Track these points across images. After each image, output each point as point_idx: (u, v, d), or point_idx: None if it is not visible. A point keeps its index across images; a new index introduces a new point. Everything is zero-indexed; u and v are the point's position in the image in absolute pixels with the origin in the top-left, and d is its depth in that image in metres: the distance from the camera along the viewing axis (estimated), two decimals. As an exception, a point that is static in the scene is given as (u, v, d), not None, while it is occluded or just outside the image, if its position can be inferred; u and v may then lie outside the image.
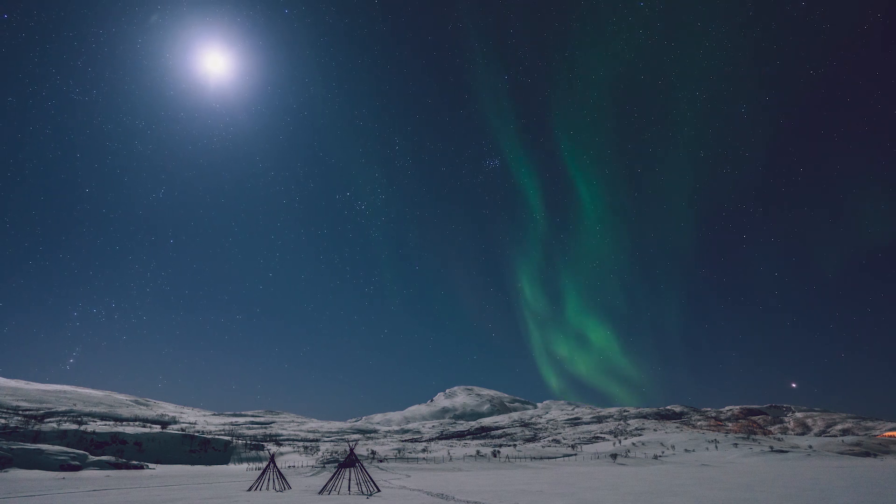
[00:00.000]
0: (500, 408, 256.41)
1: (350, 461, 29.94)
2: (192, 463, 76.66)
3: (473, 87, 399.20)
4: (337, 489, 27.33)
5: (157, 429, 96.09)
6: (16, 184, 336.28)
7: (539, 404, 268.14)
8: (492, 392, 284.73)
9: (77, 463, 59.55)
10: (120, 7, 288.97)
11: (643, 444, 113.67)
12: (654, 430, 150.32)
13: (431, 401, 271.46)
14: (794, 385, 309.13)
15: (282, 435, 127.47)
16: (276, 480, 32.26)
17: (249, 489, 29.74)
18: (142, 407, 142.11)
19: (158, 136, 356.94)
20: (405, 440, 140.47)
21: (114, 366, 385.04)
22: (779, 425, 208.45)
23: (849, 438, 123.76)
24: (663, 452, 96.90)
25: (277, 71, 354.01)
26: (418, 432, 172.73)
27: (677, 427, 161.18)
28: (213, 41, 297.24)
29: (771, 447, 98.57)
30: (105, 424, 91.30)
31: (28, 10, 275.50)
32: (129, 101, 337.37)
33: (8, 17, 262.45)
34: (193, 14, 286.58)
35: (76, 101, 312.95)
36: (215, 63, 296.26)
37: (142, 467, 65.78)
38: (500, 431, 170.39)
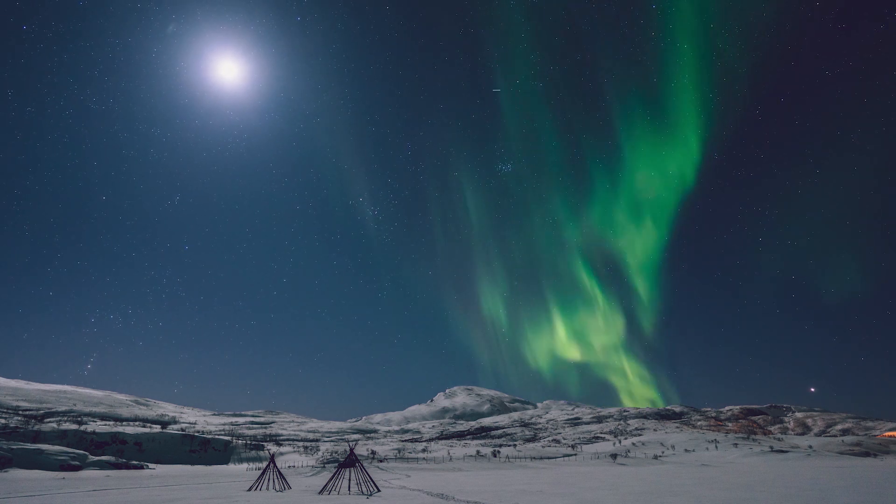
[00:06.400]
0: (500, 408, 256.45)
1: (350, 461, 29.95)
2: (192, 463, 76.64)
3: (485, 92, 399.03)
4: (337, 489, 27.33)
5: (157, 429, 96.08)
6: (34, 192, 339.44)
7: (539, 404, 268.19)
8: (492, 392, 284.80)
9: (77, 463, 59.53)
10: (135, 17, 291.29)
11: (643, 444, 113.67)
12: (654, 430, 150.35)
13: (431, 401, 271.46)
14: (812, 390, 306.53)
15: (282, 435, 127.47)
16: (276, 480, 32.26)
17: (249, 489, 29.74)
18: (142, 407, 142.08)
19: (173, 144, 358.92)
20: (405, 440, 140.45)
21: (129, 371, 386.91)
22: (779, 425, 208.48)
23: (849, 438, 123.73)
24: (663, 452, 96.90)
25: (290, 78, 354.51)
26: (418, 432, 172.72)
27: (677, 427, 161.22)
28: (227, 49, 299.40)
29: (771, 447, 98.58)
30: (105, 424, 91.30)
31: (46, 21, 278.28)
32: (144, 109, 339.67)
33: (27, 28, 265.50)
34: (207, 23, 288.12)
35: (93, 110, 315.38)
36: (229, 70, 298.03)
37: (142, 467, 65.78)
38: (500, 431, 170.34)
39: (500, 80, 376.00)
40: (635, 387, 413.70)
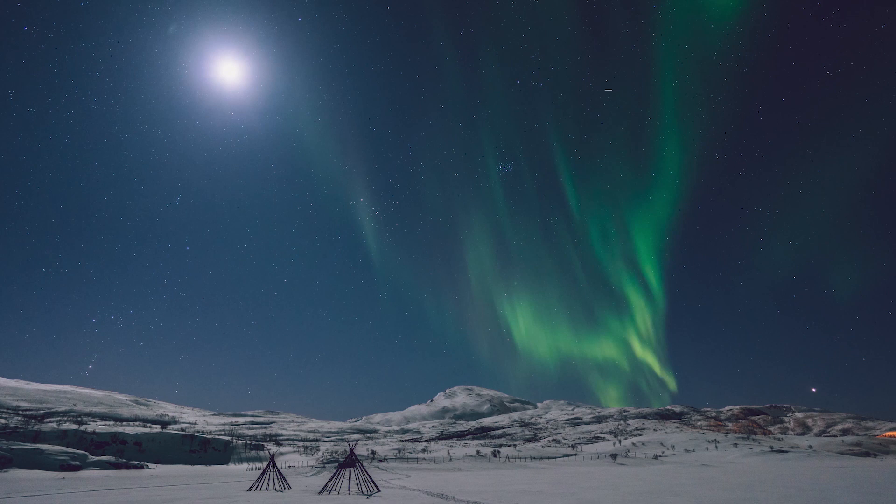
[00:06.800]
0: (500, 408, 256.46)
1: (350, 461, 29.94)
2: (192, 463, 76.65)
3: (486, 92, 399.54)
4: (337, 489, 27.33)
5: (157, 429, 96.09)
6: (35, 192, 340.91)
7: (539, 404, 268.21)
8: (492, 392, 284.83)
9: (77, 463, 59.54)
10: (137, 18, 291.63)
11: (643, 444, 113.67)
12: (654, 430, 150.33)
13: (431, 401, 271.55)
14: (813, 390, 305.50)
15: (282, 435, 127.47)
16: (276, 480, 32.25)
17: (249, 489, 29.74)
18: (142, 407, 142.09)
19: (174, 144, 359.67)
20: (405, 440, 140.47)
21: (130, 371, 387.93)
22: (779, 425, 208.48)
23: (849, 438, 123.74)
24: (663, 452, 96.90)
25: (291, 78, 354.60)
26: (418, 432, 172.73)
27: (677, 427, 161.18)
28: (228, 49, 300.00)
29: (771, 447, 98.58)
30: (105, 424, 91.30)
31: (47, 22, 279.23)
32: (145, 109, 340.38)
33: (28, 29, 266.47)
34: (208, 23, 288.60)
35: (94, 111, 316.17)
36: (230, 71, 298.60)
37: (142, 467, 65.78)
38: (500, 431, 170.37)
39: (499, 81, 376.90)
40: (634, 385, 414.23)
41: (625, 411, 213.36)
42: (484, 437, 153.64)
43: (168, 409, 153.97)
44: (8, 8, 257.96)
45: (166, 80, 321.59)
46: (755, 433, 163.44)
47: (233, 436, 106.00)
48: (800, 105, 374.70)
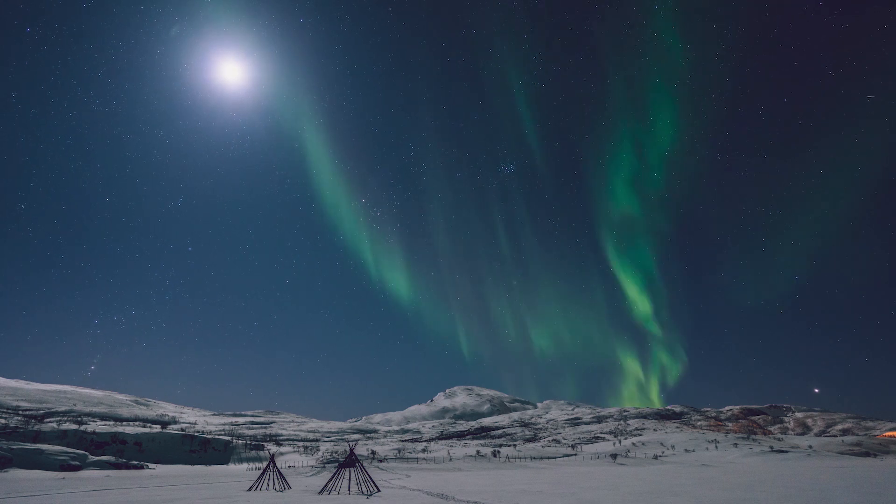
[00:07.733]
0: (500, 408, 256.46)
1: (350, 461, 29.93)
2: (192, 463, 76.64)
3: (487, 93, 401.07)
4: (337, 489, 27.32)
5: (157, 429, 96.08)
6: (38, 193, 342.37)
7: (539, 404, 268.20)
8: (492, 392, 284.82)
9: (77, 463, 59.54)
10: (139, 19, 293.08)
11: (643, 444, 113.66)
12: (654, 430, 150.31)
13: (431, 401, 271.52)
14: (816, 391, 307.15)
15: (282, 435, 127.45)
16: (276, 480, 32.24)
17: (249, 489, 29.73)
18: (142, 407, 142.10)
19: (176, 146, 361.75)
20: (405, 440, 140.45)
21: (132, 372, 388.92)
22: (779, 425, 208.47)
23: (849, 438, 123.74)
24: (663, 452, 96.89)
25: (293, 79, 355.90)
26: (418, 432, 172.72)
27: (677, 427, 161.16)
28: (230, 51, 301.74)
29: (771, 447, 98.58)
30: (105, 424, 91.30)
31: (50, 24, 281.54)
32: (147, 110, 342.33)
33: (31, 31, 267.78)
34: (211, 24, 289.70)
35: (96, 112, 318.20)
36: (232, 72, 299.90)
37: (142, 467, 65.78)
38: (500, 431, 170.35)
39: (500, 81, 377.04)
40: (634, 384, 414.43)
41: (625, 411, 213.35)
42: (484, 437, 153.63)
43: (168, 409, 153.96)
44: (11, 9, 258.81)
45: (168, 82, 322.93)
46: (755, 433, 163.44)
47: (233, 436, 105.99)
48: (802, 105, 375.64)
